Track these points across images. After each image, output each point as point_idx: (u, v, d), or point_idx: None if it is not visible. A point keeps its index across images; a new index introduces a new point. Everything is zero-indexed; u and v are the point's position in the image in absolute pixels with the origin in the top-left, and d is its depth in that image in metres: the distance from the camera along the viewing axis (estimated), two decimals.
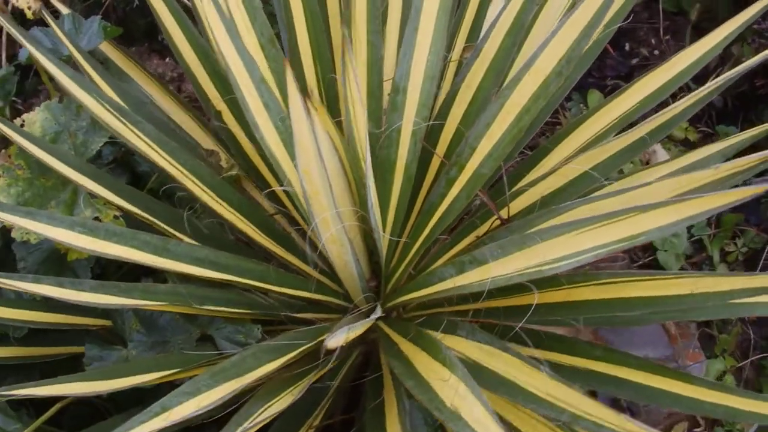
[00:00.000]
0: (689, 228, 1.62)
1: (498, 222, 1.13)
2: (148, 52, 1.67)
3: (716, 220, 1.63)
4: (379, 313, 1.01)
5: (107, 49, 1.29)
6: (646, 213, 0.78)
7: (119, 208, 1.01)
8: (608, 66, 1.82)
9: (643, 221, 0.79)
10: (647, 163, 1.73)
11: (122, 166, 1.12)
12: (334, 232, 0.98)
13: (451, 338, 1.03)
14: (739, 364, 1.52)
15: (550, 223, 0.98)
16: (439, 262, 1.18)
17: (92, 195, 1.00)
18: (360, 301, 1.14)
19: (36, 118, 1.01)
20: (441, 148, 1.15)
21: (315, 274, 1.16)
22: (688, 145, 1.74)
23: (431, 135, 1.15)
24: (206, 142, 1.29)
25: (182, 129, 1.30)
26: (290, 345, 1.00)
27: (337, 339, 0.84)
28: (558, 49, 0.96)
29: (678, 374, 0.97)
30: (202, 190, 1.10)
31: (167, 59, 1.67)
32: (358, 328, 0.92)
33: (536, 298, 0.91)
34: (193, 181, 1.09)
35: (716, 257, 1.59)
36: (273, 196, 1.19)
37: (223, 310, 1.03)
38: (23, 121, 1.00)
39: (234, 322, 1.05)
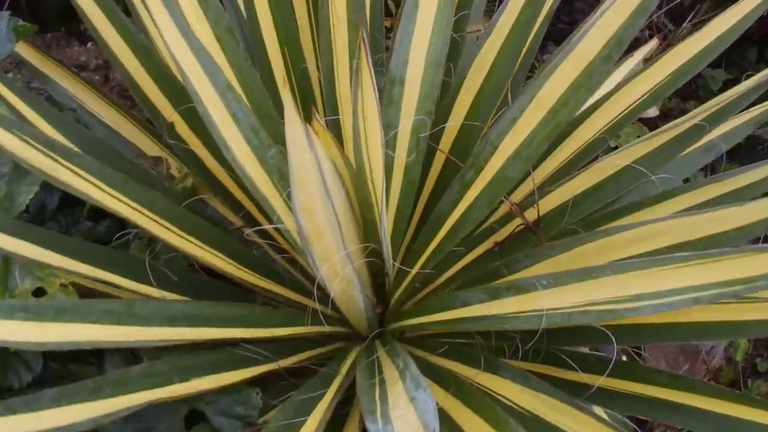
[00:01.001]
0: None
1: (521, 224, 0.96)
2: (66, 37, 1.40)
3: None
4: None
5: (21, 48, 1.04)
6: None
7: (66, 272, 0.79)
8: (577, 9, 1.65)
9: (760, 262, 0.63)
10: None
11: (63, 214, 0.88)
12: (343, 275, 0.79)
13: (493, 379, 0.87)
14: None
15: (605, 241, 0.82)
16: (448, 273, 1.01)
17: (31, 261, 0.77)
18: (363, 329, 0.97)
19: None
20: (445, 144, 0.96)
21: (311, 304, 0.97)
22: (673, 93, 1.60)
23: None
24: (151, 147, 1.06)
25: (119, 134, 1.06)
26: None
27: None
28: (607, 30, 0.77)
29: (758, 402, 0.84)
30: (163, 226, 0.88)
31: (89, 44, 1.40)
32: None
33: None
34: (149, 218, 0.87)
35: None
36: (248, 218, 0.98)
37: (215, 380, 0.83)
38: None
39: (227, 391, 0.85)
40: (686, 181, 1.01)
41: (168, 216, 0.89)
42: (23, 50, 1.02)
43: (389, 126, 0.92)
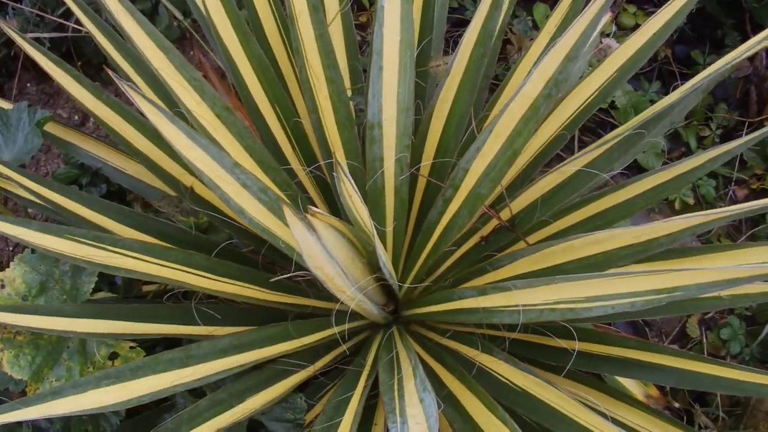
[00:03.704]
0: None
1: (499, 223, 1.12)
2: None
3: None
4: None
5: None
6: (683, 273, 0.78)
7: (131, 336, 0.97)
8: None
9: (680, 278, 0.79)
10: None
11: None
12: (355, 304, 0.97)
13: (490, 360, 1.05)
14: None
15: (567, 245, 0.98)
16: (446, 265, 1.18)
17: (101, 336, 0.95)
18: (382, 321, 1.15)
19: (14, 274, 0.93)
20: (424, 170, 1.11)
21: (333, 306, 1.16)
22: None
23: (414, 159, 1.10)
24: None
25: (143, 182, 1.23)
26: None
27: None
28: (545, 73, 0.91)
29: (712, 360, 1.02)
30: (202, 277, 1.06)
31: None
32: None
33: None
34: (189, 273, 1.04)
35: (693, 144, 1.60)
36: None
37: (264, 394, 1.03)
38: (1, 280, 0.93)
39: (277, 401, 1.05)
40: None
41: (205, 267, 1.06)
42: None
43: (375, 158, 1.08)
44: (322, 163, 1.08)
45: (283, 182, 1.10)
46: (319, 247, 0.85)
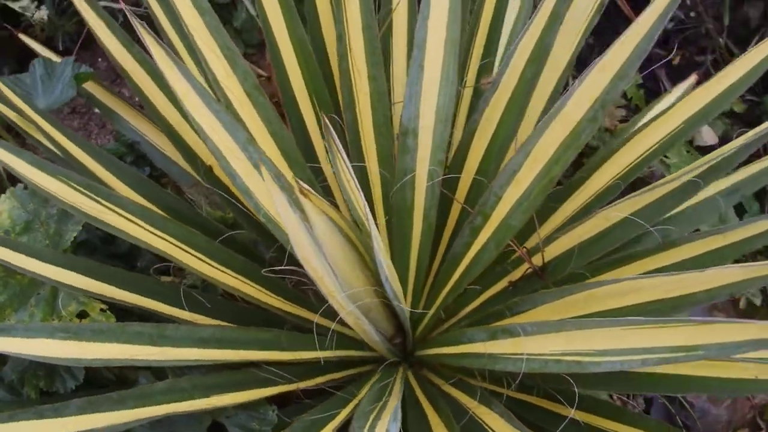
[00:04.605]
0: None
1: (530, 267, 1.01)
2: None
3: None
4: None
5: (90, 85, 1.17)
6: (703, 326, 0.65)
7: (106, 298, 0.91)
8: None
9: (702, 334, 0.66)
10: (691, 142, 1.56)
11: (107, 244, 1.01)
12: (346, 312, 0.88)
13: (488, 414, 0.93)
14: None
15: (589, 293, 0.86)
16: (469, 308, 1.07)
17: (74, 290, 0.90)
18: (386, 354, 1.04)
19: (2, 207, 0.90)
20: (461, 193, 1.02)
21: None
22: (735, 117, 1.56)
23: (449, 179, 1.01)
24: None
25: (178, 165, 1.18)
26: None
27: None
28: (590, 92, 0.81)
29: None
30: (199, 259, 0.99)
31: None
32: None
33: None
34: (187, 252, 0.98)
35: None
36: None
37: (232, 398, 0.94)
38: None
39: (246, 408, 0.95)
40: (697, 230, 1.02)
41: (206, 250, 1.00)
42: (92, 88, 1.15)
43: (405, 171, 0.99)
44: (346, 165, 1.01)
45: (307, 180, 1.03)
46: (305, 231, 0.77)
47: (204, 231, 1.02)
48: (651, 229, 0.90)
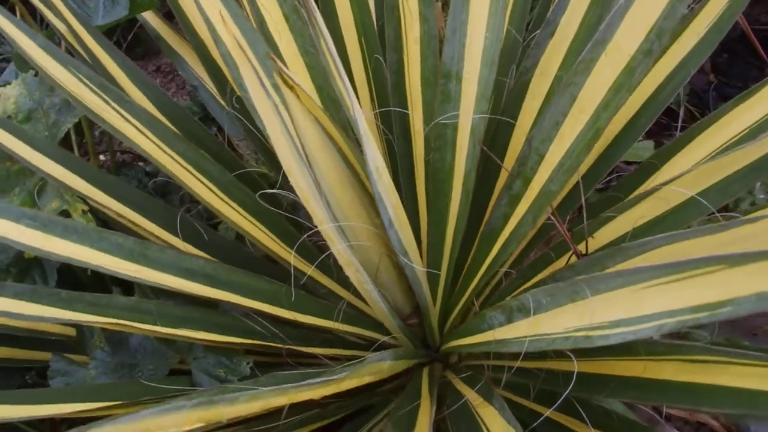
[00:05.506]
0: None
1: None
2: None
3: None
4: None
5: (157, 25, 1.15)
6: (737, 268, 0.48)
7: (92, 201, 0.84)
8: None
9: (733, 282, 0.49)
10: None
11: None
12: (337, 250, 0.74)
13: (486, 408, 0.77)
14: None
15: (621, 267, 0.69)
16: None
17: (61, 184, 0.83)
18: (400, 339, 0.90)
19: (11, 93, 0.87)
20: (509, 157, 0.88)
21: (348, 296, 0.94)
22: None
23: (493, 141, 0.88)
24: None
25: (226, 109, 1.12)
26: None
27: None
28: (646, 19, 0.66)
29: None
30: (207, 187, 0.91)
31: None
32: None
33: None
34: (194, 176, 0.90)
35: None
36: None
37: (204, 335, 0.83)
38: None
39: (218, 352, 0.84)
40: None
41: (217, 180, 0.91)
42: (158, 25, 1.13)
43: (445, 124, 0.87)
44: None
45: (340, 120, 0.92)
46: (278, 121, 0.66)
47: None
48: (717, 214, 0.72)
